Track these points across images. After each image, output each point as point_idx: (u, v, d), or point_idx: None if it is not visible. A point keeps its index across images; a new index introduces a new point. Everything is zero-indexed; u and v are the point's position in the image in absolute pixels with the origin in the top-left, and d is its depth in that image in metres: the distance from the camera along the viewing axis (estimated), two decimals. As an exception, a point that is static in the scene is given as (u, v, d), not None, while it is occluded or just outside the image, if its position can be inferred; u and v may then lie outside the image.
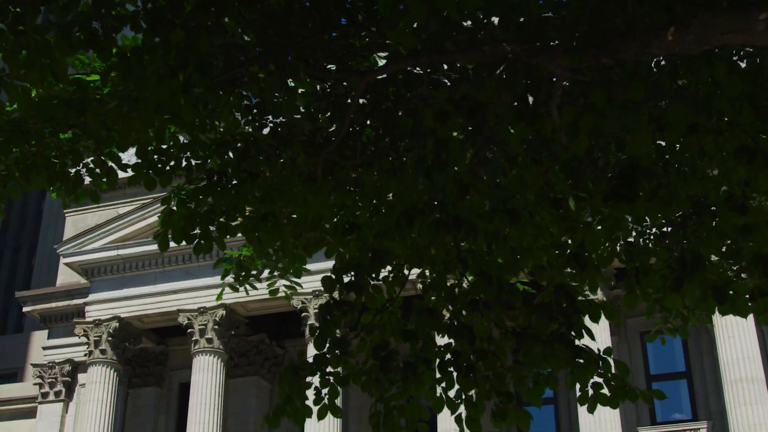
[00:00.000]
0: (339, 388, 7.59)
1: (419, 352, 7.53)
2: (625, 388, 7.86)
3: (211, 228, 8.60)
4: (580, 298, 7.43)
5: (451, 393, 7.75)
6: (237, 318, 32.27)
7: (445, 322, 7.38)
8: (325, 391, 7.56)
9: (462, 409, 7.63)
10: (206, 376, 31.16)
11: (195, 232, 8.63)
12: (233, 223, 8.57)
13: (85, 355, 33.15)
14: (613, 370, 7.88)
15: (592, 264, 7.74)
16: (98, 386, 32.22)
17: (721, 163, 6.90)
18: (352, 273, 7.19)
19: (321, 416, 7.51)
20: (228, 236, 8.66)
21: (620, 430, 27.66)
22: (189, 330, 31.85)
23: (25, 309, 36.06)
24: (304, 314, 30.73)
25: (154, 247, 32.88)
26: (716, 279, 6.85)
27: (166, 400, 34.83)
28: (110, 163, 7.80)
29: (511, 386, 7.78)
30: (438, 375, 7.68)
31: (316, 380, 7.80)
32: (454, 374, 7.58)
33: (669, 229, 8.89)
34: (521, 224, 6.62)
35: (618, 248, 8.82)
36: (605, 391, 8.19)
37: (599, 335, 28.56)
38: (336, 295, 7.55)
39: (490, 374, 7.59)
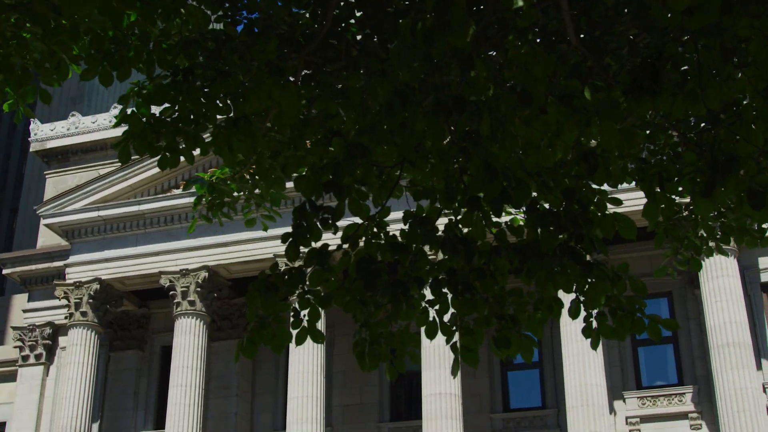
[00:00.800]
0: (320, 309, 6.55)
1: (410, 270, 6.50)
2: (634, 317, 6.83)
3: (179, 139, 7.53)
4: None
5: (446, 318, 6.75)
6: (220, 280, 31.21)
7: (440, 235, 6.36)
8: (304, 313, 6.52)
9: (458, 338, 6.63)
10: (188, 339, 30.12)
11: (160, 144, 7.56)
12: (203, 134, 7.50)
13: (66, 317, 32.02)
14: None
15: (604, 167, 6.68)
16: (79, 349, 31.12)
17: (759, 50, 5.88)
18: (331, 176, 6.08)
19: (300, 341, 6.47)
20: (197, 149, 7.58)
21: (606, 394, 26.79)
22: (171, 292, 30.77)
23: (4, 271, 34.82)
24: (287, 276, 29.65)
25: (136, 208, 31.77)
26: (752, 182, 5.85)
27: (147, 363, 33.77)
28: (62, 55, 6.69)
29: (511, 311, 6.77)
30: (431, 297, 6.66)
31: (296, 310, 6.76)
32: (449, 296, 6.58)
33: (687, 140, 7.85)
34: (529, 116, 5.58)
35: (630, 168, 7.80)
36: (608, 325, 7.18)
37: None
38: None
39: (489, 297, 6.59)
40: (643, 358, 29.81)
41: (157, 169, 32.04)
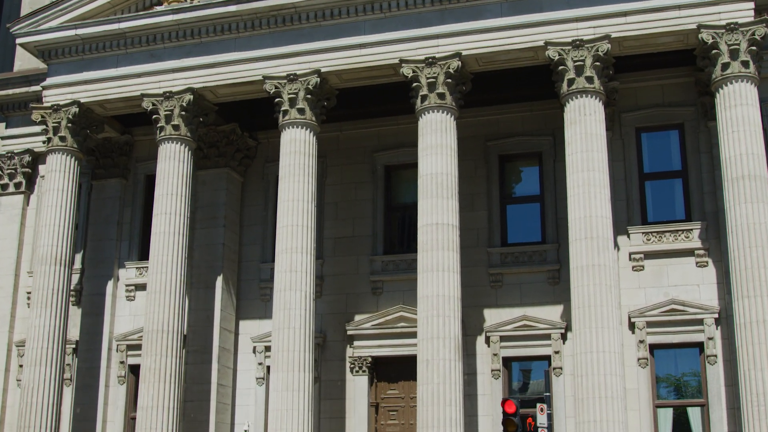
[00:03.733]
0: None
1: None
2: None
3: None
4: None
5: None
6: (206, 105, 27.51)
7: None
8: None
9: None
10: (173, 165, 26.66)
11: None
12: None
13: (44, 142, 28.53)
14: None
15: None
16: (58, 175, 27.66)
17: None
18: None
19: None
20: None
21: (611, 228, 23.42)
22: (154, 116, 27.09)
23: (-21, 96, 31.11)
24: (277, 100, 26.05)
25: (116, 26, 27.77)
26: None
27: (131, 192, 30.44)
28: None
29: None
30: None
31: None
32: None
33: None
34: None
35: None
36: None
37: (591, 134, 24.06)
38: None
39: None
40: (649, 193, 26.58)
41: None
